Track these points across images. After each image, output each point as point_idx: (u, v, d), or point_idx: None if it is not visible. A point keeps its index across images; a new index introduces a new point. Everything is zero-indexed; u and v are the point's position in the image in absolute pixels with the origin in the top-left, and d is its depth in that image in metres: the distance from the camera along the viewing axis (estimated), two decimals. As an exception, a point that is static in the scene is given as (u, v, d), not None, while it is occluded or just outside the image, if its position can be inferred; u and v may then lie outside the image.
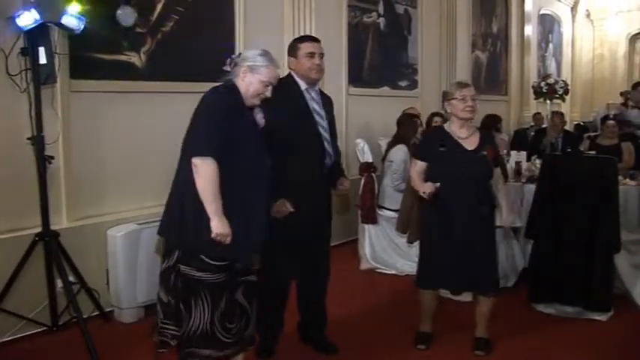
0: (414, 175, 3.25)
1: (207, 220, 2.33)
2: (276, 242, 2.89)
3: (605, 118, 6.33)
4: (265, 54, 2.53)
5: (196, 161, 2.33)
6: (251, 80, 2.47)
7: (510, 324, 3.69)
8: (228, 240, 2.36)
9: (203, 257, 2.41)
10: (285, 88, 2.94)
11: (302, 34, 5.12)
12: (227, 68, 2.52)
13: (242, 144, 2.43)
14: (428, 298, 3.38)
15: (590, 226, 3.81)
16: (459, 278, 3.20)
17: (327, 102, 3.21)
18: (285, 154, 2.85)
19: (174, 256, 2.46)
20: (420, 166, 3.22)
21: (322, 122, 3.07)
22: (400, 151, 4.97)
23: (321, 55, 3.06)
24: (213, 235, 2.33)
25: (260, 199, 2.52)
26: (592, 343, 3.47)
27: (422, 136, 3.46)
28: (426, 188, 3.07)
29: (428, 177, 3.17)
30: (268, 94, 2.53)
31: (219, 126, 2.36)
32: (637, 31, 12.96)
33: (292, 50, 3.09)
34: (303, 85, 3.07)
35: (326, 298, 3.33)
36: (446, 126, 3.27)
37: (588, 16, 13.26)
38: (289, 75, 3.11)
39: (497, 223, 4.40)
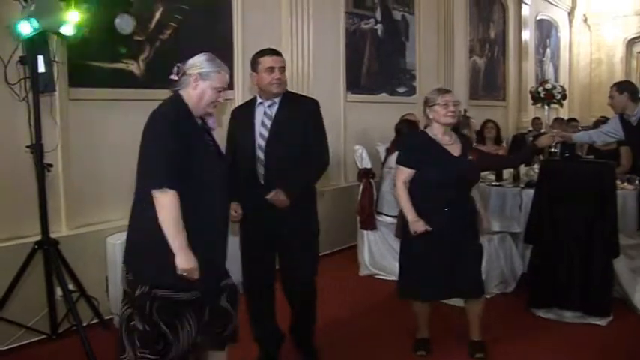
0: (400, 188, 3.18)
1: (171, 254, 2.21)
2: (242, 248, 3.12)
3: (601, 123, 6.32)
4: (212, 59, 2.39)
5: (156, 194, 2.20)
6: (203, 87, 2.34)
7: (510, 329, 3.69)
8: (196, 275, 2.24)
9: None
10: (244, 105, 3.20)
11: (300, 41, 5.15)
12: (174, 77, 2.38)
13: (199, 160, 2.31)
14: (420, 305, 3.40)
15: (589, 231, 3.82)
16: (447, 288, 3.22)
17: (300, 108, 3.08)
18: (232, 161, 2.93)
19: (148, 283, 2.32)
20: (408, 174, 3.17)
21: (263, 131, 3.00)
22: (399, 158, 4.98)
23: (282, 69, 3.00)
24: (179, 272, 2.21)
25: (224, 212, 2.47)
26: (591, 347, 3.47)
27: (404, 143, 3.44)
28: (417, 227, 3.09)
29: (414, 184, 3.17)
30: (221, 100, 2.44)
31: (170, 149, 2.23)
32: (634, 36, 13.04)
33: (253, 65, 3.05)
34: (258, 100, 3.07)
35: (306, 305, 3.21)
36: (429, 132, 3.25)
37: (585, 20, 13.33)
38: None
39: (494, 229, 4.44)
